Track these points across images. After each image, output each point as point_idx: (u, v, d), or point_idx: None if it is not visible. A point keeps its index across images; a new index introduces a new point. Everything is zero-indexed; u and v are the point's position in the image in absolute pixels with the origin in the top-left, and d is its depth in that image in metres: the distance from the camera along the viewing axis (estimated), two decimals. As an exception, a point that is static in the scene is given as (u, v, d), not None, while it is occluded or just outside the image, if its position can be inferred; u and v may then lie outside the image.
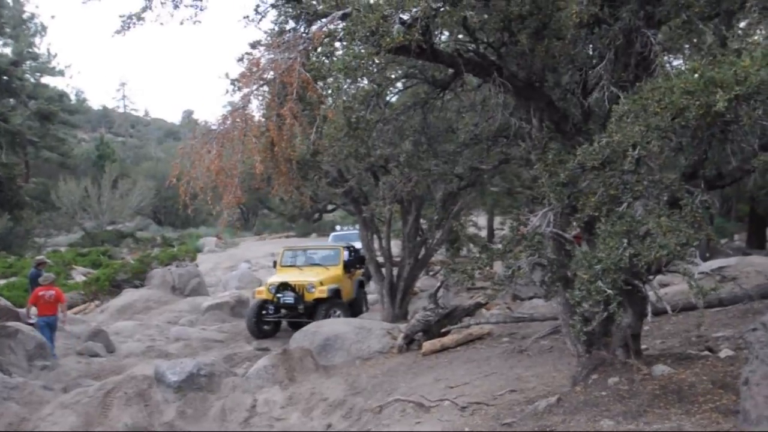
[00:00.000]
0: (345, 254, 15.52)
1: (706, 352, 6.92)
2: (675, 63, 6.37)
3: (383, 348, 10.18)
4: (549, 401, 5.72)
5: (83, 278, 21.20)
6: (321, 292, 13.48)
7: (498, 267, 6.01)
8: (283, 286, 13.80)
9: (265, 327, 13.99)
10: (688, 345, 7.64)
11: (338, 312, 13.39)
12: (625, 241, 4.62)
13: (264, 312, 13.91)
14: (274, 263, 15.90)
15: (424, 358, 9.29)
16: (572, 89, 6.82)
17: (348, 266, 15.21)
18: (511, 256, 5.31)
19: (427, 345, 9.55)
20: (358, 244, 22.12)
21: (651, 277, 5.52)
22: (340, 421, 7.77)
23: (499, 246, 5.73)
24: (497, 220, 27.07)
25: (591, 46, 6.49)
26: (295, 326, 13.03)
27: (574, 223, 6.25)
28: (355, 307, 14.94)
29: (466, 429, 5.73)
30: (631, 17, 5.67)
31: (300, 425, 7.84)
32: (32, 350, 11.33)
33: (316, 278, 13.92)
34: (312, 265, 15.15)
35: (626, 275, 4.76)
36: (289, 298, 13.66)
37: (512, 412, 5.93)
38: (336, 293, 13.93)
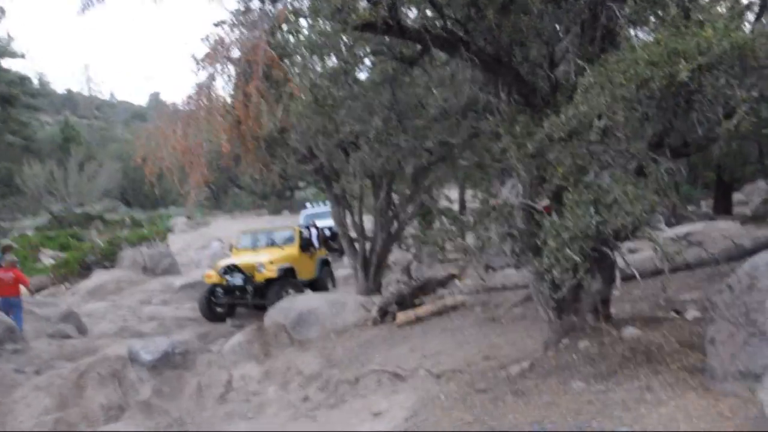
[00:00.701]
0: (306, 234, 15.57)
1: (674, 314, 7.13)
2: (640, 36, 6.47)
3: (358, 321, 10.26)
4: (522, 366, 5.88)
5: (52, 261, 20.92)
6: (270, 272, 13.32)
7: (470, 239, 6.11)
8: (231, 268, 13.63)
9: (219, 309, 13.83)
10: (656, 309, 7.84)
11: (292, 292, 13.03)
12: (593, 209, 4.74)
13: (214, 295, 13.75)
14: (231, 247, 15.93)
15: (399, 329, 9.39)
16: (540, 63, 6.88)
17: (307, 245, 15.17)
18: (481, 228, 5.41)
19: (402, 316, 9.65)
20: (324, 222, 22.15)
21: (619, 243, 5.66)
22: (317, 393, 7.84)
23: (470, 218, 5.83)
24: (468, 193, 27.27)
25: (557, 19, 6.53)
26: (259, 307, 13.06)
27: (544, 194, 6.37)
28: (317, 287, 14.73)
29: (441, 396, 5.85)
30: (596, -10, 5.73)
31: (277, 399, 7.91)
32: (1, 334, 11.19)
33: (266, 258, 13.79)
34: (268, 246, 15.09)
35: (594, 242, 4.88)
36: (237, 279, 13.50)
37: (486, 378, 6.07)
38: (289, 272, 13.83)
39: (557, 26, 6.74)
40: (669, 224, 13.11)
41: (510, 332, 7.90)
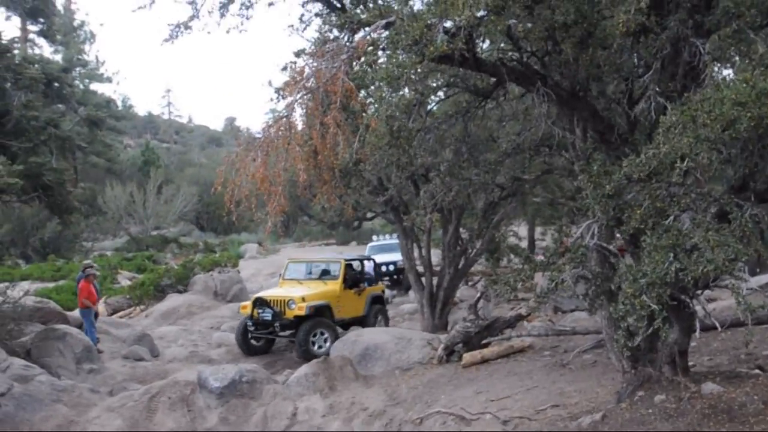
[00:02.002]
0: (356, 267, 14.77)
1: (757, 371, 6.70)
2: (724, 73, 6.24)
3: (423, 359, 10.13)
4: (593, 418, 5.61)
5: (128, 282, 21.64)
6: (300, 310, 12.50)
7: (539, 278, 5.93)
8: (261, 302, 13.07)
9: (254, 343, 13.41)
10: (737, 363, 7.41)
11: (325, 335, 12.49)
12: (672, 255, 4.52)
13: (248, 329, 13.27)
14: (280, 275, 15.25)
15: (465, 369, 9.21)
16: (617, 99, 6.72)
17: (354, 281, 14.22)
18: (554, 269, 5.24)
19: (468, 357, 9.47)
20: (390, 256, 21.84)
21: (699, 291, 5.38)
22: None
23: (542, 258, 5.67)
24: (538, 230, 26.80)
25: (637, 55, 6.38)
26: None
27: (618, 235, 6.14)
28: (364, 326, 13.64)
29: (508, 444, 5.64)
30: (679, 26, 5.56)
31: (339, 434, 7.84)
32: (80, 353, 11.60)
33: (300, 293, 13.00)
34: (312, 279, 14.31)
35: (672, 290, 4.65)
36: (267, 314, 12.86)
37: (555, 427, 5.83)
38: (324, 310, 12.95)
39: (637, 61, 6.59)
40: (753, 273, 12.45)
41: (580, 379, 7.61)
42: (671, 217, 4.84)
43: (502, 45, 6.85)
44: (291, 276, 14.48)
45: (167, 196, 38.82)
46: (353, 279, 14.23)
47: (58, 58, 39.95)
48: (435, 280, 13.48)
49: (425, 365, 9.95)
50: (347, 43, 6.32)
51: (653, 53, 5.87)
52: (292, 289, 13.55)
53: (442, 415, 7.31)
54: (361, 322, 13.96)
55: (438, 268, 14.01)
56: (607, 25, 5.90)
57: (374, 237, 25.54)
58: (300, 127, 6.25)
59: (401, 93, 7.41)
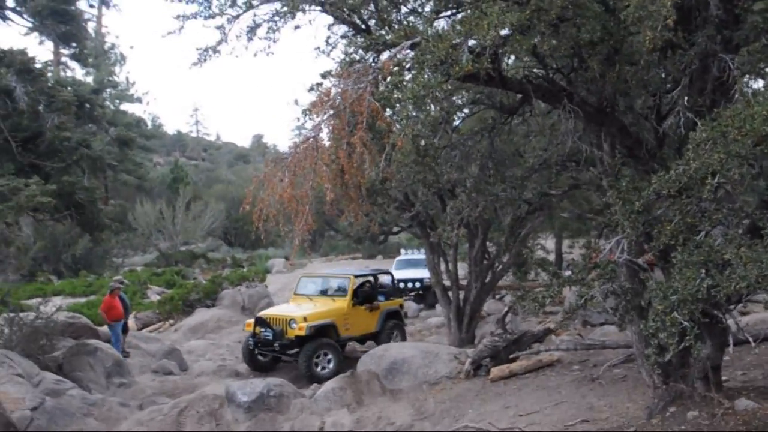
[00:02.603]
0: (368, 282, 14.28)
1: (792, 386, 6.60)
2: (755, 86, 6.19)
3: (450, 373, 10.11)
4: (624, 434, 5.57)
5: (158, 297, 21.90)
6: (301, 330, 12.09)
7: (567, 291, 5.92)
8: (261, 322, 12.75)
9: (261, 359, 13.07)
10: (771, 378, 7.30)
11: (329, 355, 12.12)
12: (703, 271, 4.50)
13: (251, 346, 12.94)
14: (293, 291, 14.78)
15: (492, 384, 9.19)
16: (645, 114, 6.71)
17: (366, 297, 13.80)
18: (584, 284, 5.23)
19: (496, 371, 9.44)
20: (416, 272, 21.65)
21: (731, 307, 5.33)
22: (408, 446, 7.75)
23: (571, 273, 5.66)
24: (565, 243, 26.59)
25: (665, 70, 6.37)
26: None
27: (646, 247, 6.10)
28: (378, 343, 13.19)
29: (538, 461, 5.61)
30: (707, 42, 5.56)
31: (368, 450, 7.86)
32: (110, 367, 11.79)
33: (302, 312, 12.63)
34: (324, 295, 13.89)
35: (704, 306, 4.62)
36: (268, 333, 12.52)
37: (585, 444, 5.79)
38: (326, 330, 12.53)
39: (664, 77, 6.58)
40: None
41: (610, 394, 7.54)
42: (702, 233, 4.82)
43: (527, 63, 6.89)
44: (302, 291, 14.14)
45: (196, 213, 39.26)
46: (364, 295, 13.87)
47: (90, 80, 40.77)
48: (462, 294, 13.44)
49: (452, 379, 9.93)
50: (373, 64, 6.39)
51: (681, 68, 5.86)
52: (297, 307, 13.29)
53: (470, 429, 7.29)
54: (375, 338, 13.62)
55: (465, 282, 13.97)
56: (634, 42, 5.91)
57: (402, 251, 25.41)
58: (327, 146, 6.32)
59: (427, 110, 7.47)
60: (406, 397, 9.53)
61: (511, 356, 9.89)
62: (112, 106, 42.99)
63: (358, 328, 13.37)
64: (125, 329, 14.14)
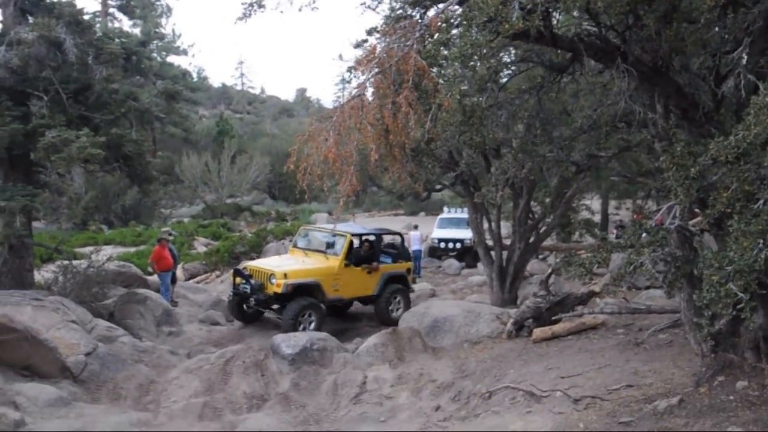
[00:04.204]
0: (369, 241, 13.63)
1: None
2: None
3: (492, 333, 10.13)
4: (670, 401, 5.50)
5: (204, 249, 22.38)
6: (278, 287, 11.61)
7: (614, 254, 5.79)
8: (239, 273, 12.30)
9: (247, 309, 12.66)
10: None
11: (312, 316, 11.61)
12: (761, 241, 4.35)
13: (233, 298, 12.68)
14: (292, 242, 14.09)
15: (534, 345, 9.16)
16: (703, 75, 6.43)
17: (364, 258, 13.13)
18: (633, 251, 5.12)
19: (538, 332, 9.41)
20: (457, 232, 21.37)
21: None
22: (449, 403, 7.82)
23: (618, 238, 5.55)
24: (612, 204, 26.10)
25: (725, 29, 6.07)
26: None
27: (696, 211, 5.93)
28: (377, 310, 12.90)
29: (581, 424, 5.59)
30: (773, -1, 5.27)
31: (409, 405, 7.97)
32: (160, 316, 12.15)
33: (284, 268, 12.07)
34: (318, 251, 13.23)
35: (761, 276, 4.48)
36: (246, 287, 12.09)
37: (630, 409, 5.73)
38: (309, 289, 11.91)
39: (725, 36, 6.27)
40: None
41: (655, 360, 7.44)
42: (761, 201, 4.64)
43: (579, 19, 6.65)
44: (301, 245, 13.63)
45: (241, 166, 39.67)
46: (361, 256, 13.24)
47: (137, 31, 41.06)
48: (504, 254, 13.35)
49: (494, 339, 9.95)
50: (419, 21, 6.24)
51: (743, 27, 5.58)
52: (283, 261, 12.87)
53: (511, 390, 7.32)
54: (373, 302, 13.10)
55: (507, 242, 13.87)
56: (694, -1, 5.64)
57: (445, 209, 25.24)
58: (372, 105, 6.25)
59: (474, 69, 7.30)
60: (448, 355, 9.60)
61: (554, 318, 9.82)
62: (158, 59, 43.24)
63: (350, 289, 12.71)
64: (174, 279, 14.53)
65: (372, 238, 13.74)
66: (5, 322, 8.03)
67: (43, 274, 13.30)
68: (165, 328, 12.04)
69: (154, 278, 14.89)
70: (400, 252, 14.26)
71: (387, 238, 14.56)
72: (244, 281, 12.11)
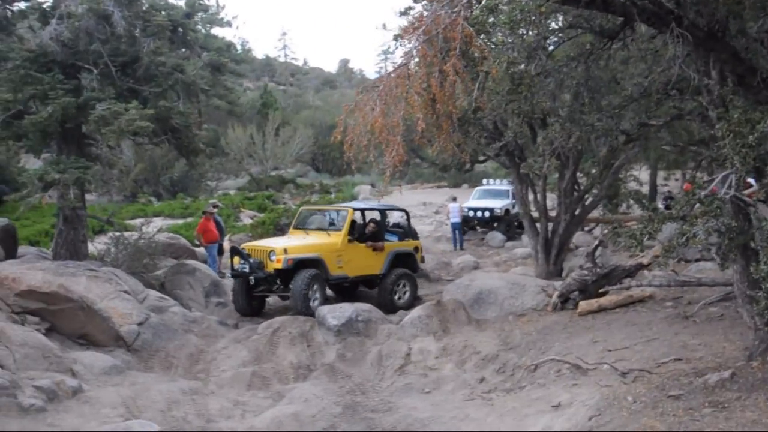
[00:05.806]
0: (374, 218, 13.10)
1: None
2: None
3: (537, 305, 10.07)
4: (721, 375, 5.39)
5: (250, 221, 22.69)
6: (278, 262, 11.17)
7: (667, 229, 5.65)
8: (237, 252, 11.85)
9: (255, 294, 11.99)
10: None
11: (317, 292, 11.15)
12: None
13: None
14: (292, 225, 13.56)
15: (580, 318, 9.08)
16: (761, 39, 6.17)
17: (368, 235, 12.71)
18: (685, 222, 5.00)
19: (584, 305, 9.32)
20: (483, 203, 21.19)
21: None
22: (493, 375, 7.83)
23: (671, 211, 5.41)
24: (660, 174, 25.47)
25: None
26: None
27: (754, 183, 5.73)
28: (380, 290, 12.22)
29: (629, 397, 5.53)
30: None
31: (453, 376, 8.00)
32: (208, 287, 12.41)
33: (283, 244, 11.68)
34: (320, 229, 12.81)
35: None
36: (245, 266, 11.56)
37: (679, 383, 5.63)
38: (313, 265, 11.43)
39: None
40: None
41: (705, 333, 7.30)
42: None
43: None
44: (301, 225, 13.13)
45: (284, 138, 39.92)
46: (366, 232, 12.81)
47: (182, 3, 41.40)
48: (550, 226, 13.19)
49: (539, 312, 9.90)
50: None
51: (808, -12, 5.32)
52: (282, 239, 12.62)
53: (556, 362, 7.29)
54: (380, 282, 12.33)
55: (553, 214, 13.69)
56: (755, -42, 5.39)
57: (484, 181, 25.12)
58: (418, 74, 6.17)
59: (522, 36, 7.14)
60: (492, 327, 9.59)
61: (600, 290, 9.71)
62: (203, 31, 43.57)
63: (355, 267, 12.12)
64: (220, 251, 14.79)
65: (376, 213, 13.29)
66: (62, 291, 8.31)
67: (96, 245, 13.66)
68: (213, 298, 12.30)
69: (202, 250, 15.18)
70: (406, 230, 13.75)
71: (394, 215, 13.93)
72: (242, 261, 11.65)
